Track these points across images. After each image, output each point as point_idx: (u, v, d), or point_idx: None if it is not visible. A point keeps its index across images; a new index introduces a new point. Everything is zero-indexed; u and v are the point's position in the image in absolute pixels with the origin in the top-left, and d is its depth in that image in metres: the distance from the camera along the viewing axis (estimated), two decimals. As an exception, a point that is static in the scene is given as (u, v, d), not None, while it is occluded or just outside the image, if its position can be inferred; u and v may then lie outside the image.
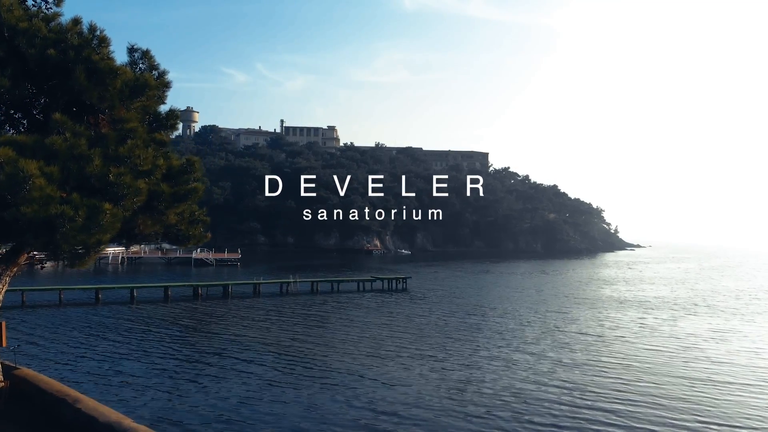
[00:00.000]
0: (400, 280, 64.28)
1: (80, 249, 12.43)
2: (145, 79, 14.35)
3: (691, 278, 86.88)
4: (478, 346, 31.72)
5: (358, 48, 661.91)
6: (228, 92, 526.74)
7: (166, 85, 16.83)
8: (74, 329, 34.66)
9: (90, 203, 12.11)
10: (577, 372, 25.70)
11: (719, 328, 39.48)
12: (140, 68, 16.50)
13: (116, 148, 13.60)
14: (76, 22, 14.88)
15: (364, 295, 56.64)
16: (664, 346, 32.09)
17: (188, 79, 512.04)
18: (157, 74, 16.59)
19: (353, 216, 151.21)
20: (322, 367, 26.02)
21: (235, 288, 56.04)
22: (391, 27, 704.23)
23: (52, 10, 14.80)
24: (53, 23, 14.34)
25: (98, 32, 14.86)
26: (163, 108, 16.42)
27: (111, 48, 14.41)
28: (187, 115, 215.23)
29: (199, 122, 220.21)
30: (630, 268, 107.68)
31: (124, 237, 16.36)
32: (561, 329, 37.36)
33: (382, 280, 63.60)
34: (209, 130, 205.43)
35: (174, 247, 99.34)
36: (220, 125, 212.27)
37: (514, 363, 27.33)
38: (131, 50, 16.41)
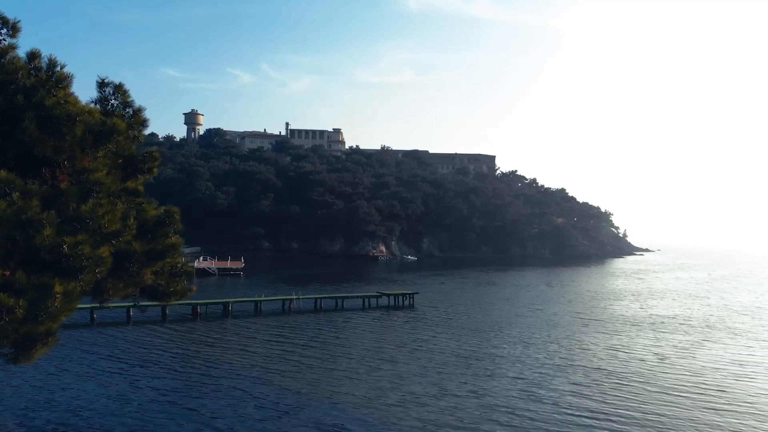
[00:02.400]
0: (407, 296, 62.08)
1: (26, 342, 10.36)
2: (113, 124, 12.31)
3: (702, 291, 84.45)
4: (482, 390, 29.51)
5: (364, 48, 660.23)
6: (233, 93, 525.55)
7: (143, 123, 14.84)
8: (65, 358, 32.64)
9: (38, 283, 10.05)
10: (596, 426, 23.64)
11: (740, 358, 37.42)
12: (112, 105, 14.53)
13: (78, 206, 11.60)
14: (33, 56, 12.83)
15: (369, 314, 54.61)
16: (683, 387, 29.95)
17: (193, 80, 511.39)
18: (131, 111, 14.63)
19: (359, 221, 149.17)
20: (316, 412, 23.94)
21: (236, 306, 54.02)
22: (396, 27, 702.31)
23: (5, 43, 12.74)
24: (5, 59, 12.28)
25: (58, 68, 12.84)
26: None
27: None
28: (191, 117, 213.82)
29: (204, 125, 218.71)
30: (639, 279, 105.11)
31: (92, 298, 14.37)
32: (572, 362, 35.24)
33: (388, 296, 61.38)
34: (213, 133, 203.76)
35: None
36: (225, 126, 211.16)
37: (521, 414, 25.23)
38: (101, 84, 14.38)
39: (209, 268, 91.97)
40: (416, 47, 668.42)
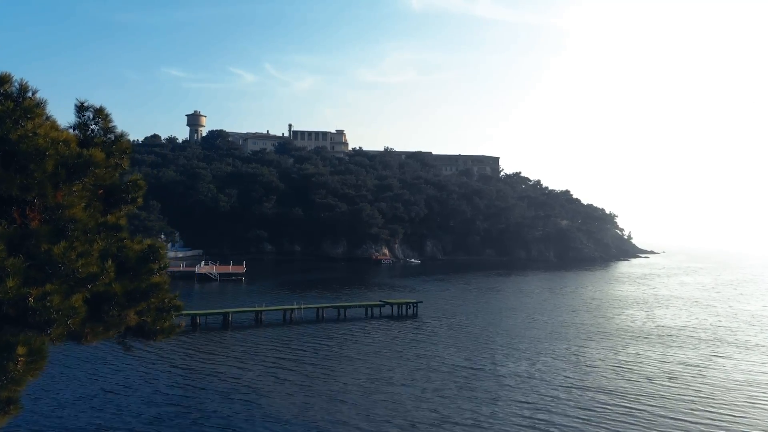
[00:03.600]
0: (411, 305, 60.93)
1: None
2: (89, 156, 11.15)
3: (709, 298, 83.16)
4: (485, 419, 28.38)
5: (367, 48, 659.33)
6: (236, 93, 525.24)
7: (126, 150, 13.70)
8: (52, 377, 31.62)
9: (-1, 343, 8.92)
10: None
11: (753, 377, 36.24)
12: (92, 131, 13.44)
13: (49, 249, 10.48)
14: (2, 81, 11.73)
15: (371, 324, 53.58)
16: (696, 411, 28.79)
17: (196, 80, 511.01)
18: (113, 137, 13.52)
19: (362, 224, 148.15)
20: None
21: (236, 316, 52.99)
22: (399, 27, 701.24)
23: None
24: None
25: (30, 93, 11.72)
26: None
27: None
28: (194, 119, 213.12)
29: (207, 125, 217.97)
30: (644, 285, 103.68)
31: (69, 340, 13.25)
32: (579, 382, 34.15)
33: (391, 305, 60.23)
34: (216, 135, 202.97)
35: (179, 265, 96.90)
36: (228, 127, 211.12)
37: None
38: (80, 108, 13.23)
39: (210, 274, 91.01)
40: (419, 47, 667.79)
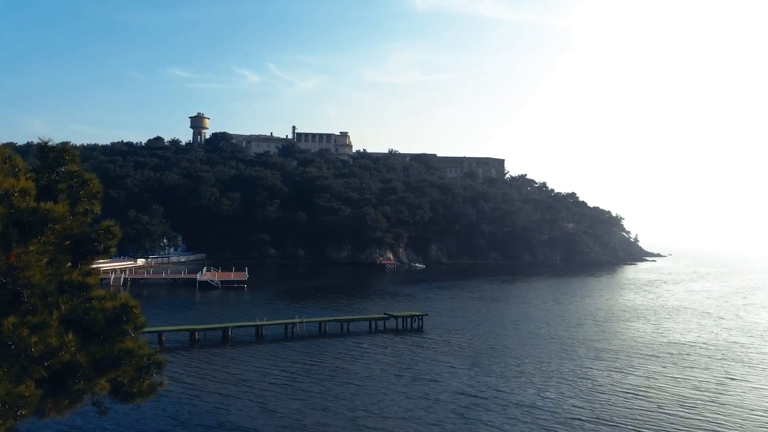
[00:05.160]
0: (416, 317, 59.40)
1: None
2: (46, 212, 9.72)
3: (718, 309, 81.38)
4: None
5: (371, 48, 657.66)
6: (240, 93, 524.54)
7: (95, 195, 12.25)
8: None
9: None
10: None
11: None
12: (57, 173, 11.97)
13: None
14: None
15: (374, 340, 52.24)
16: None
17: (201, 80, 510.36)
18: (79, 182, 12.03)
19: (366, 228, 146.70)
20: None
21: (236, 331, 51.57)
22: (402, 27, 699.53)
23: None
24: None
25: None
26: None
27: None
28: (197, 121, 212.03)
29: (211, 127, 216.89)
30: (651, 293, 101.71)
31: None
32: (589, 412, 32.85)
33: (396, 318, 58.68)
34: (220, 137, 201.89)
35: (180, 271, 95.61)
36: (232, 127, 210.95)
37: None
38: (43, 150, 11.84)
39: (212, 281, 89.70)
40: (423, 47, 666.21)
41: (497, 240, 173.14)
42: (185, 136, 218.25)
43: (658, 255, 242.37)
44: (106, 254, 12.13)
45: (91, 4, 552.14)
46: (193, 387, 35.46)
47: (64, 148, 11.76)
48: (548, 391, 36.00)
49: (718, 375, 41.56)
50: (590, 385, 37.77)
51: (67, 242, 11.47)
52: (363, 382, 37.37)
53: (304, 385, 36.20)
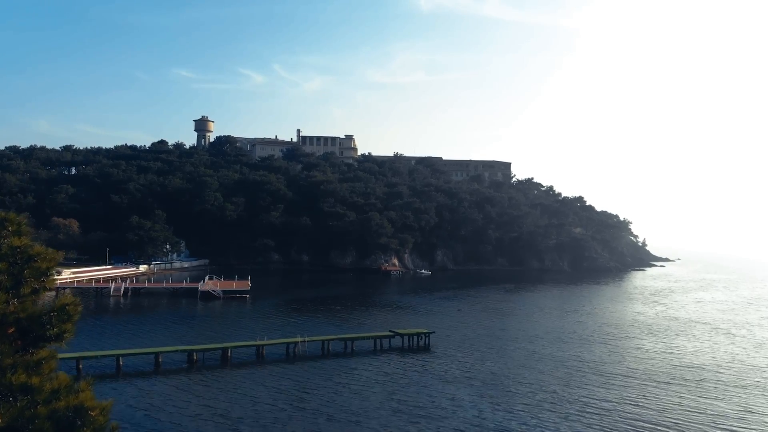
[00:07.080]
0: (422, 335, 57.67)
1: None
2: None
3: (729, 323, 79.22)
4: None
5: (375, 49, 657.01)
6: (245, 93, 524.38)
7: (45, 273, 10.58)
8: None
9: None
10: None
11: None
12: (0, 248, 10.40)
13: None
14: None
15: (379, 360, 50.82)
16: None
17: (206, 80, 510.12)
18: (26, 257, 10.40)
19: (371, 233, 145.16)
20: None
21: (235, 351, 50.04)
22: (407, 28, 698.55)
23: None
24: None
25: None
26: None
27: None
28: (202, 124, 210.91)
29: (215, 128, 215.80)
30: (660, 304, 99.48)
31: None
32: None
33: (402, 336, 56.99)
34: (224, 141, 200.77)
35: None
36: (237, 129, 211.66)
37: None
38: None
39: (214, 291, 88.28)
40: (428, 48, 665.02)
41: (504, 245, 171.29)
42: (190, 137, 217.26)
43: (666, 260, 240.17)
44: (59, 340, 10.56)
45: (96, 5, 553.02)
46: (182, 412, 33.85)
47: (6, 217, 10.19)
48: (556, 426, 34.27)
49: (734, 408, 39.47)
50: (603, 421, 35.92)
51: (11, 330, 9.94)
52: (359, 418, 35.48)
53: (297, 417, 34.64)
